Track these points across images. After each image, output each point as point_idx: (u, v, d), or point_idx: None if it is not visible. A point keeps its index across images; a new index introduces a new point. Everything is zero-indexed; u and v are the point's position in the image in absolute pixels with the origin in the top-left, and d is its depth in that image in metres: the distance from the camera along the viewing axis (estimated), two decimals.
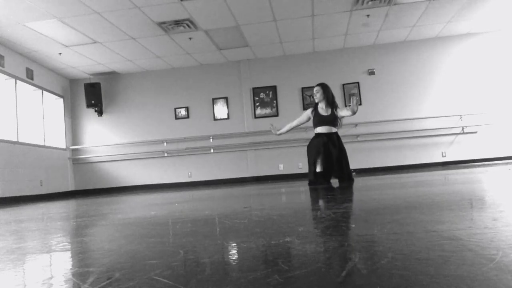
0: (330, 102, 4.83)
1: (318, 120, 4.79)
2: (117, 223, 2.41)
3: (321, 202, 2.79)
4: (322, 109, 4.84)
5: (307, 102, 8.85)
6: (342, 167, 4.63)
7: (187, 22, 6.95)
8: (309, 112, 4.99)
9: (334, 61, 9.15)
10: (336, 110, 4.81)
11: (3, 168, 7.07)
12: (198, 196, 4.89)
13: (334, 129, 4.79)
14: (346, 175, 4.66)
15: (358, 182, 4.73)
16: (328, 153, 4.53)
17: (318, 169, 4.48)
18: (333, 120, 4.77)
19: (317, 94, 4.86)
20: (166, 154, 9.38)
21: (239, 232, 1.58)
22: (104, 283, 0.91)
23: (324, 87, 4.88)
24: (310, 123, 5.00)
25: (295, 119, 5.13)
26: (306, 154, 4.78)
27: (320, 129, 4.76)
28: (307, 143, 4.86)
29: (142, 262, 1.12)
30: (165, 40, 7.72)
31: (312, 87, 8.96)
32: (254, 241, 1.33)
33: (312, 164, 4.57)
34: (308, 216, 2.07)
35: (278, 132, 5.26)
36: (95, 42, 7.56)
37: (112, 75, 9.65)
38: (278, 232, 1.48)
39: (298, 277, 0.85)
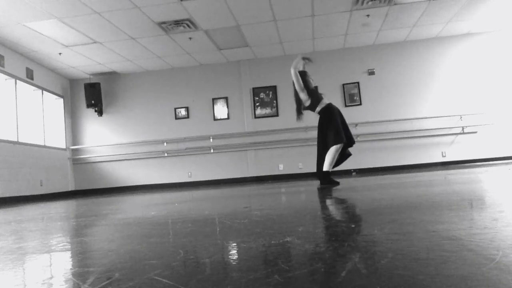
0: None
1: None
2: (117, 223, 2.41)
3: (321, 202, 2.79)
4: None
5: None
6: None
7: (187, 22, 6.95)
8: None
9: (334, 61, 9.15)
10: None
11: (3, 168, 7.07)
12: (198, 196, 4.89)
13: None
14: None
15: (359, 182, 4.73)
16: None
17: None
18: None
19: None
20: (166, 154, 9.38)
21: (239, 232, 1.58)
22: (104, 283, 0.91)
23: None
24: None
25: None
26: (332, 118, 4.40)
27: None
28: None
29: (142, 262, 1.12)
30: (165, 40, 7.72)
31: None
32: (254, 241, 1.32)
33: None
34: (308, 216, 2.07)
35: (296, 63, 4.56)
36: (95, 42, 7.56)
37: (112, 75, 9.65)
38: (278, 232, 1.48)
39: (298, 277, 0.85)
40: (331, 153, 4.35)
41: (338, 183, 4.38)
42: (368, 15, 7.28)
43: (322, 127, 4.46)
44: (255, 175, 9.09)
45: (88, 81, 9.40)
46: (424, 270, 0.82)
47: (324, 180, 4.37)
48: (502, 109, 8.55)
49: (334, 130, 4.34)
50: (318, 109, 4.48)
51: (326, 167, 4.36)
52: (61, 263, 1.31)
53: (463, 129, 8.63)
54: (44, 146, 8.51)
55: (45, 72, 8.74)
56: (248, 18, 7.01)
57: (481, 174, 4.58)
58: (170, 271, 0.99)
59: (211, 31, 7.48)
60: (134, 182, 9.38)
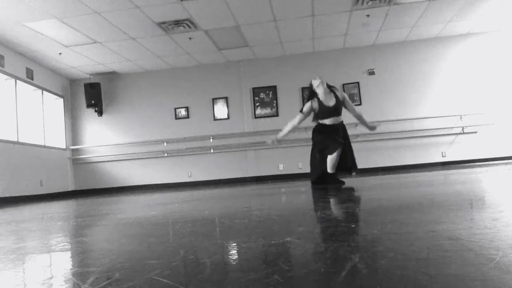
0: (329, 89, 4.44)
1: (324, 111, 4.36)
2: (117, 223, 2.41)
3: (321, 202, 2.79)
4: (324, 100, 4.37)
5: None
6: (346, 157, 4.37)
7: (187, 22, 6.95)
8: (309, 104, 4.43)
9: (334, 61, 9.15)
10: (337, 94, 4.45)
11: (3, 168, 7.06)
12: (198, 196, 4.89)
13: (341, 118, 4.46)
14: (350, 163, 4.42)
15: (359, 182, 4.73)
16: (341, 150, 4.29)
17: (330, 170, 4.29)
18: (338, 108, 4.41)
19: (321, 87, 4.37)
20: (166, 154, 9.38)
21: (239, 232, 1.58)
22: (104, 283, 0.91)
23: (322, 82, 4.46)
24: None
25: (293, 120, 4.76)
26: (311, 148, 4.46)
27: (328, 121, 4.37)
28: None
29: (142, 262, 1.12)
30: (165, 40, 7.71)
31: None
32: (254, 241, 1.32)
33: (319, 162, 4.32)
34: (308, 216, 2.07)
35: (279, 137, 4.84)
36: (95, 42, 7.56)
37: (112, 75, 9.65)
38: (278, 232, 1.48)
39: (298, 277, 0.85)
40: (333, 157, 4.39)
41: (343, 183, 4.39)
42: (368, 15, 7.28)
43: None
44: (255, 175, 9.09)
45: (88, 81, 9.40)
46: (424, 270, 0.82)
47: (331, 180, 4.38)
48: (502, 109, 8.55)
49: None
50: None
51: (329, 168, 4.37)
52: (61, 263, 1.31)
53: (463, 129, 8.63)
54: (44, 146, 8.51)
55: (45, 72, 8.74)
56: (248, 18, 7.00)
57: (481, 174, 4.57)
58: (170, 271, 0.99)
59: (211, 31, 7.48)
60: (134, 182, 9.38)
